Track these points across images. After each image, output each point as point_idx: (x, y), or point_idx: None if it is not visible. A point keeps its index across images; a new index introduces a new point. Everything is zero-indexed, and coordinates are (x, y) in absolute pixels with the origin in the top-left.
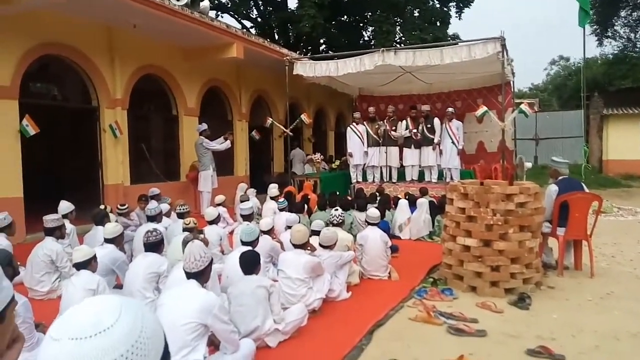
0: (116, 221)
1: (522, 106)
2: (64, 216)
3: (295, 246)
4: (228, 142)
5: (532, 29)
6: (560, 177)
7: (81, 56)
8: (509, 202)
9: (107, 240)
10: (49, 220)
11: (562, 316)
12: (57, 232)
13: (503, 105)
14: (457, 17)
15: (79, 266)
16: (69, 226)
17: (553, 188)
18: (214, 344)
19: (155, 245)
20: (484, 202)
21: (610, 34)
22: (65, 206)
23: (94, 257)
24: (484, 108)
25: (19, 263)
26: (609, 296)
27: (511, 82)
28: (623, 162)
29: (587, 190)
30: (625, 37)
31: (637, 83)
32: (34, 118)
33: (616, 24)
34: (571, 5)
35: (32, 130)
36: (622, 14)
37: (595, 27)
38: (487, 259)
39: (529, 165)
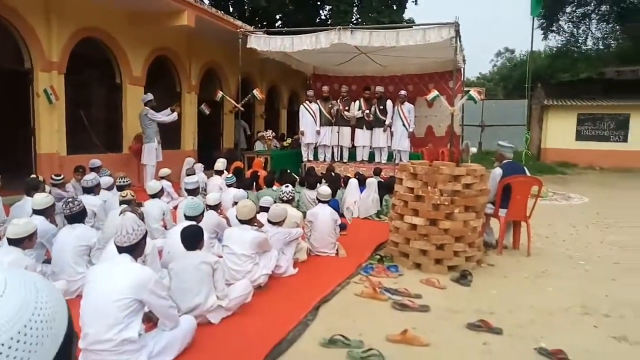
0: (49, 192)
1: (472, 92)
2: None
3: (242, 222)
4: (175, 114)
5: (481, 20)
6: (504, 161)
7: (13, 13)
8: (456, 183)
9: (35, 212)
10: None
11: (500, 292)
12: None
13: (454, 90)
14: (413, 1)
15: (12, 242)
16: None
17: (497, 171)
18: (152, 321)
19: (77, 216)
20: (432, 182)
21: (555, 29)
22: None
23: (35, 233)
24: (436, 92)
25: None
26: (544, 274)
27: (462, 69)
28: (559, 151)
29: (528, 174)
30: (569, 32)
31: (576, 77)
32: None
33: (561, 19)
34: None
35: None
36: (567, 9)
37: (542, 21)
38: (433, 237)
39: (474, 150)
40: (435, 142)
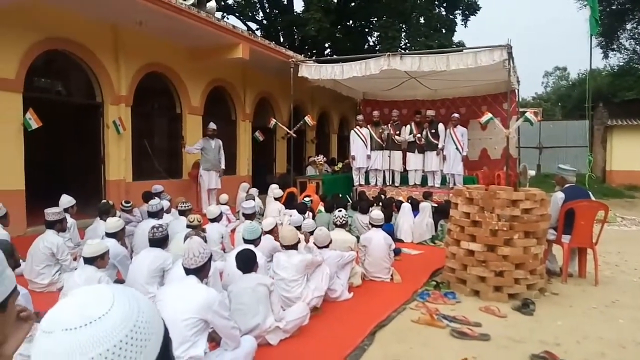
0: (119, 217)
1: (528, 114)
2: (65, 210)
3: (287, 247)
4: (186, 147)
5: (532, 40)
6: (566, 185)
7: (86, 52)
8: (514, 208)
9: (108, 235)
10: (51, 213)
11: (566, 323)
12: (58, 225)
13: (508, 112)
14: (462, 24)
15: (87, 261)
16: (69, 220)
17: (559, 195)
18: (214, 340)
19: (160, 241)
20: (489, 207)
21: (615, 47)
22: (66, 200)
23: (107, 253)
24: (489, 115)
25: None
26: (614, 304)
27: (516, 90)
28: (626, 173)
29: (593, 198)
30: (631, 49)
31: None
32: (38, 112)
33: (621, 36)
34: (571, 18)
35: (34, 124)
36: (628, 26)
37: (600, 39)
38: (491, 264)
39: (532, 173)
40: (491, 165)
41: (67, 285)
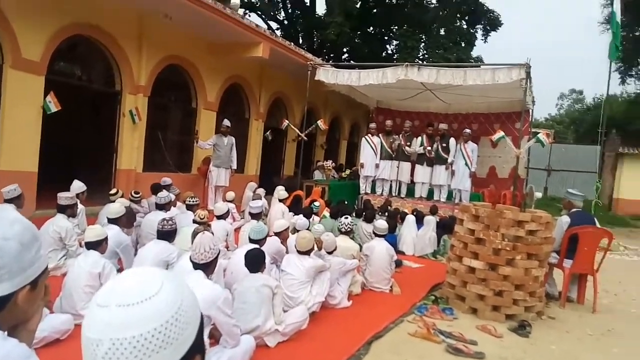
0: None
1: (540, 135)
2: (76, 195)
3: (300, 253)
4: (199, 142)
5: (548, 60)
6: (573, 210)
7: (111, 40)
8: (519, 229)
9: (110, 220)
10: (63, 197)
11: (560, 347)
12: (69, 210)
13: (520, 132)
14: (483, 39)
15: (89, 245)
16: (79, 206)
17: (565, 219)
18: (214, 337)
19: (169, 234)
20: (495, 225)
21: (634, 73)
22: (78, 186)
23: (106, 239)
24: (501, 133)
25: None
26: (610, 333)
27: (530, 111)
28: (634, 202)
29: (598, 225)
30: None
31: None
32: (58, 96)
33: None
34: (589, 42)
35: (54, 107)
36: None
37: (619, 64)
38: (492, 282)
39: (538, 195)
40: (498, 184)
41: (71, 271)
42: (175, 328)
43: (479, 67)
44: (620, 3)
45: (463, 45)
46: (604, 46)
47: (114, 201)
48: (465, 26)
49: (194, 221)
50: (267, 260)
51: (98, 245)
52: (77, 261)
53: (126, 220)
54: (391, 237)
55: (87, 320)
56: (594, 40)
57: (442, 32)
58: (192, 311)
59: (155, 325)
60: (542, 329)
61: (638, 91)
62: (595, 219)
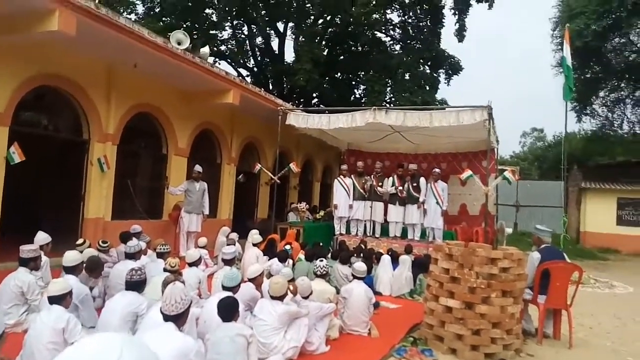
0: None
1: (506, 173)
2: (40, 247)
3: (273, 298)
4: (170, 188)
5: (509, 100)
6: (542, 245)
7: (79, 90)
8: (492, 266)
9: (67, 270)
10: (26, 250)
11: None
12: (32, 264)
13: (487, 170)
14: (445, 83)
15: (52, 300)
16: (43, 258)
17: (536, 255)
18: None
19: (138, 284)
20: (468, 264)
21: (589, 112)
22: (42, 237)
23: (70, 293)
24: (469, 172)
25: None
26: None
27: (495, 149)
28: (599, 235)
29: (568, 260)
30: (604, 116)
31: (613, 160)
32: (23, 146)
33: (595, 102)
34: (548, 82)
35: (18, 158)
36: (601, 94)
37: (575, 104)
38: (469, 321)
39: (509, 230)
40: (469, 221)
41: (33, 328)
42: None
43: (444, 109)
44: (570, 48)
45: (427, 88)
46: (560, 87)
47: (81, 252)
48: (428, 71)
49: (165, 269)
50: (241, 307)
51: (62, 299)
52: (39, 316)
53: (91, 270)
54: (368, 278)
55: None
56: (550, 81)
57: (407, 76)
58: None
59: None
60: None
61: (594, 128)
62: (565, 254)
